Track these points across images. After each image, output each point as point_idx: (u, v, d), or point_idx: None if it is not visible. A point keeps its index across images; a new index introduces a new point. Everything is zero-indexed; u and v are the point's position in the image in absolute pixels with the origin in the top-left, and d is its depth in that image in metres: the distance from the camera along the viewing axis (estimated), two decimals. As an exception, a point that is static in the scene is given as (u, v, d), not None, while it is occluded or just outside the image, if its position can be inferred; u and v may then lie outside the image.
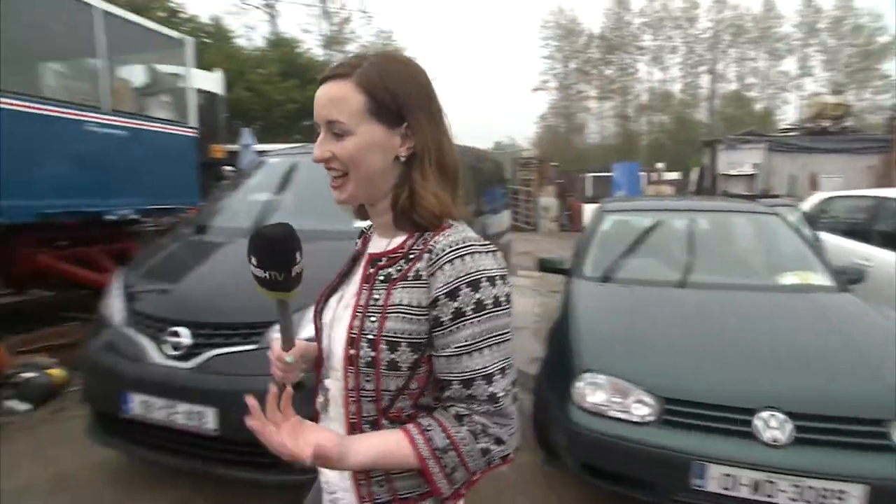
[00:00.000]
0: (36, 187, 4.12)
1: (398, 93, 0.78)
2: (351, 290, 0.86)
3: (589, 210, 14.79)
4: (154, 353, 2.23)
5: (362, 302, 0.80)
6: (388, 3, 50.16)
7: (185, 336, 2.20)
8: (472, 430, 0.75)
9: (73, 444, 2.97)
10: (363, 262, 0.87)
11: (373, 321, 0.77)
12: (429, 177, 0.80)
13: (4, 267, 4.39)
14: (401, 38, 29.54)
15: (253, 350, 2.14)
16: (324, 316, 0.90)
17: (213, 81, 9.08)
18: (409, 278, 0.78)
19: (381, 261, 0.82)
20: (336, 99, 0.77)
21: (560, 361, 2.53)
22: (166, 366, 2.18)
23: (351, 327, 0.79)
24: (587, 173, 18.09)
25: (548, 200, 15.89)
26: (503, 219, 5.67)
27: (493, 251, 0.79)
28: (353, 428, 0.80)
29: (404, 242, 0.82)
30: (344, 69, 0.78)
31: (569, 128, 36.71)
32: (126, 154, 4.95)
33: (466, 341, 0.74)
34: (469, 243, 0.77)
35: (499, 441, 0.77)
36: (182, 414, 2.14)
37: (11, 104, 4.03)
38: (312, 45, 23.33)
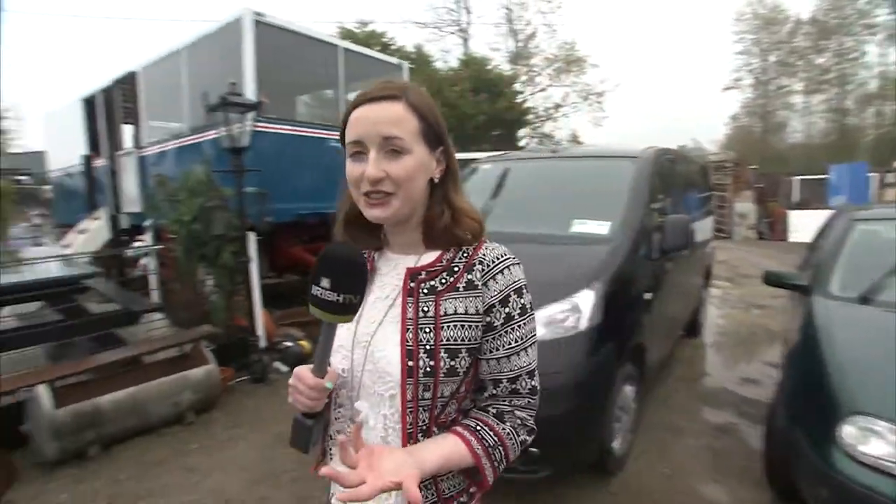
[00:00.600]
0: (294, 193, 4.82)
1: (438, 118, 0.79)
2: (378, 308, 0.81)
3: (796, 217, 12.43)
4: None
5: (410, 315, 0.77)
6: (571, 14, 48.87)
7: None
8: (513, 425, 0.79)
9: (319, 406, 3.35)
10: (396, 279, 0.82)
11: (427, 332, 0.76)
12: (462, 195, 0.83)
13: (270, 257, 5.22)
14: (583, 47, 28.43)
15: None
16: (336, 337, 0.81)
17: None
18: (461, 288, 0.78)
19: (420, 275, 0.80)
20: (395, 117, 0.74)
21: (812, 395, 2.02)
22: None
23: (404, 340, 0.76)
24: (793, 176, 15.14)
25: (744, 206, 13.68)
26: (706, 226, 4.96)
27: (520, 263, 0.82)
28: (409, 437, 0.77)
29: (441, 256, 0.81)
30: (392, 91, 0.76)
31: (765, 127, 31.37)
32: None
33: (516, 342, 0.78)
34: (509, 256, 0.81)
35: (531, 431, 0.82)
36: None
37: (279, 128, 4.77)
38: (500, 62, 23.77)
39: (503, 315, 0.77)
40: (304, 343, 4.18)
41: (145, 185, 6.03)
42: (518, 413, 0.80)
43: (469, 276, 0.78)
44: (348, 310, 0.69)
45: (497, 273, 0.78)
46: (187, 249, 4.02)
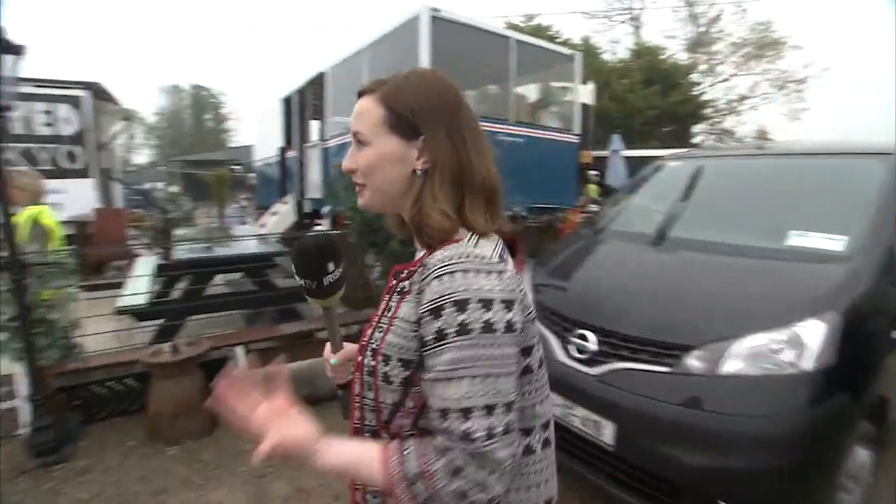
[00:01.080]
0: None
1: (415, 106, 0.74)
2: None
3: None
4: (559, 351, 2.16)
5: (379, 312, 0.78)
6: (766, -8, 42.31)
7: (591, 341, 2.04)
8: (448, 467, 0.63)
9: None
10: None
11: (380, 332, 0.74)
12: (437, 193, 0.73)
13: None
14: (782, 27, 24.20)
15: (663, 373, 1.83)
16: None
17: (586, 93, 9.32)
18: (413, 293, 0.71)
19: (402, 273, 0.78)
20: (360, 112, 0.76)
21: None
22: (570, 366, 2.08)
23: (364, 335, 0.78)
24: None
25: None
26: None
27: (498, 272, 0.67)
28: (357, 432, 0.77)
29: (423, 256, 0.76)
30: (373, 85, 0.77)
31: None
32: (524, 158, 5.42)
33: (446, 367, 0.64)
34: (464, 259, 0.66)
35: (481, 486, 0.63)
36: (579, 418, 2.01)
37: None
38: (676, 51, 21.65)
39: (434, 330, 0.65)
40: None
41: (327, 175, 6.70)
42: (456, 455, 0.64)
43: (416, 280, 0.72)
44: (313, 293, 0.80)
45: (433, 279, 0.66)
46: (360, 235, 4.31)
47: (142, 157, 43.05)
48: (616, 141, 9.18)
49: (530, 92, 6.65)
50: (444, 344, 0.64)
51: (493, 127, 5.21)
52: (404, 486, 0.65)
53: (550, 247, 3.40)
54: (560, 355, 2.14)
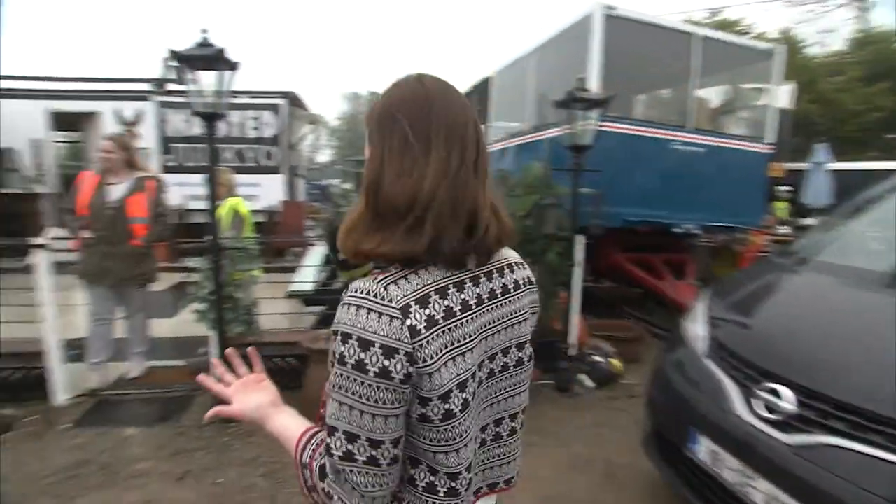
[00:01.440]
0: (625, 198, 4.49)
1: (373, 112, 0.73)
2: None
3: None
4: (738, 404, 1.78)
5: None
6: None
7: (787, 400, 1.63)
8: (323, 467, 0.72)
9: (622, 437, 3.00)
10: None
11: None
12: (354, 208, 0.74)
13: (592, 259, 5.04)
14: None
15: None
16: None
17: (784, 95, 8.00)
18: None
19: None
20: None
21: None
22: (753, 426, 1.69)
23: None
24: None
25: None
26: None
27: (391, 317, 0.65)
28: (324, 406, 0.77)
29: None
30: None
31: None
32: (700, 170, 4.81)
33: (328, 384, 0.70)
34: (363, 296, 0.66)
35: (328, 495, 0.72)
36: (762, 494, 1.62)
37: (621, 127, 4.51)
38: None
39: (332, 348, 0.69)
40: (615, 362, 3.83)
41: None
42: (327, 461, 0.70)
43: None
44: (340, 267, 0.92)
45: (340, 304, 0.69)
46: (517, 244, 4.18)
47: (323, 156, 48.95)
48: (821, 151, 7.68)
49: (714, 94, 5.89)
50: (332, 363, 0.68)
51: (666, 134, 4.70)
52: (299, 470, 0.76)
53: (732, 274, 2.89)
54: (739, 409, 1.76)
